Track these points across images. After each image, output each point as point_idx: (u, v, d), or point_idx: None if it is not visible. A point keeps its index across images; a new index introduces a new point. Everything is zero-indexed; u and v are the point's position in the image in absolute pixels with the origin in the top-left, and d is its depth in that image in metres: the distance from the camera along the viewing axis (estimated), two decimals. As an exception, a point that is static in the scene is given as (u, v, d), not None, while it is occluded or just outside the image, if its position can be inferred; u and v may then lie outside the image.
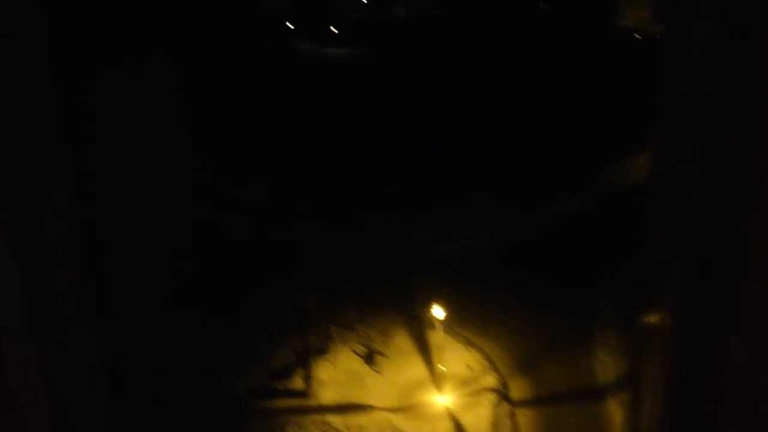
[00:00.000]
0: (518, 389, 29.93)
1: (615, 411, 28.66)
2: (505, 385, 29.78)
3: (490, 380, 29.49)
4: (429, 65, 53.74)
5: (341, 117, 50.63)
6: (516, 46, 53.07)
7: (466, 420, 27.29)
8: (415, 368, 30.07)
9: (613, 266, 37.81)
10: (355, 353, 29.99)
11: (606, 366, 30.91)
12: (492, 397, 28.46)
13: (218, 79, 45.94)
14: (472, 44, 54.13)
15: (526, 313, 34.22)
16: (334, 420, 26.91)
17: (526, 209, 42.44)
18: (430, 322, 30.94)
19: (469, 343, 31.88)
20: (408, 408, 27.97)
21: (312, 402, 27.84)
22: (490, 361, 31.05)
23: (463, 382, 29.27)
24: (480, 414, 27.54)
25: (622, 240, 39.72)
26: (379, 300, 29.97)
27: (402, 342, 31.06)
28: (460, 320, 32.55)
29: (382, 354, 29.83)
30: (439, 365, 28.80)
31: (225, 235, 34.43)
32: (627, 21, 53.78)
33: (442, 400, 28.33)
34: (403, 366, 30.11)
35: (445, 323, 28.99)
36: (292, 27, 65.59)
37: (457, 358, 30.47)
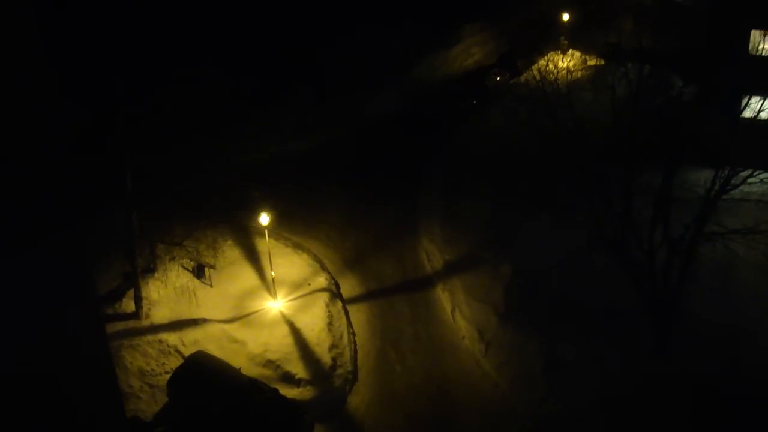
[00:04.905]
0: (349, 286, 30.84)
1: (443, 297, 30.19)
2: (335, 284, 30.54)
3: (321, 281, 30.14)
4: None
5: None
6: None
7: (301, 322, 27.91)
8: (246, 277, 30.21)
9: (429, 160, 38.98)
10: (184, 268, 29.67)
11: (432, 255, 32.25)
12: (324, 296, 29.17)
13: None
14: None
15: (350, 211, 34.88)
16: (170, 337, 26.75)
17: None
18: (257, 229, 31.00)
19: (297, 247, 32.29)
20: (242, 317, 28.24)
21: (145, 322, 27.52)
22: (319, 262, 31.67)
23: (295, 286, 29.77)
24: (314, 314, 28.22)
25: (436, 129, 40.85)
26: (204, 214, 29.45)
27: (230, 253, 30.94)
28: (286, 225, 32.84)
29: (211, 267, 29.61)
30: (269, 271, 29.05)
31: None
32: None
33: (276, 305, 28.78)
34: (234, 276, 30.14)
35: (272, 229, 29.11)
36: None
37: (286, 262, 30.84)
